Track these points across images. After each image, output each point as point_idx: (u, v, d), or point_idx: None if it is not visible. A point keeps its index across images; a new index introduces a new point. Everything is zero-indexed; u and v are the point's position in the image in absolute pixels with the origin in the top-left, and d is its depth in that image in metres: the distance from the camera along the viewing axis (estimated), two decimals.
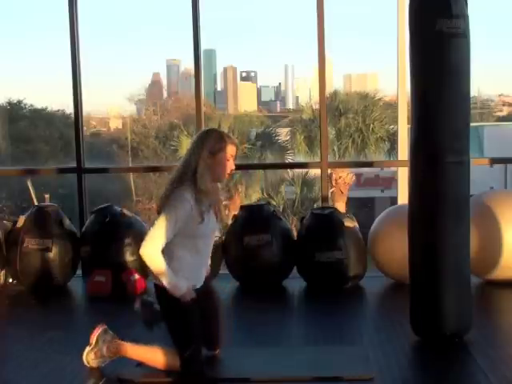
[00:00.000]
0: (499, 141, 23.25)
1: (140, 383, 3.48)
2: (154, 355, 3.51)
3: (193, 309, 3.41)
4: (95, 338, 3.59)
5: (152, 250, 3.31)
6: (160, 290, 3.43)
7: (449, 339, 3.91)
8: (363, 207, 23.19)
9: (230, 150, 3.46)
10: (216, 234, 5.56)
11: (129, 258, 5.43)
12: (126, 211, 5.73)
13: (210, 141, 3.44)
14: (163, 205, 3.40)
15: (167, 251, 3.37)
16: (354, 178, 20.65)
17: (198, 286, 3.52)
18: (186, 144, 20.34)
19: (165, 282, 3.32)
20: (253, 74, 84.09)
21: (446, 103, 3.79)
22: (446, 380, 3.49)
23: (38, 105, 27.60)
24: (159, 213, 3.41)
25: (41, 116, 25.99)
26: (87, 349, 3.61)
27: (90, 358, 3.60)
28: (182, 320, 3.43)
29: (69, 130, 19.68)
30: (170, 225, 3.32)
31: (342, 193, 19.79)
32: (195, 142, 3.49)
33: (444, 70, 3.77)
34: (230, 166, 3.48)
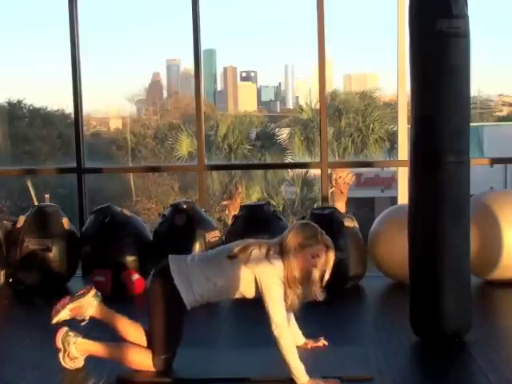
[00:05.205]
0: (499, 141, 23.22)
1: (140, 383, 3.49)
2: (122, 353, 3.51)
3: (183, 315, 3.49)
4: (60, 342, 3.59)
5: (287, 330, 3.36)
6: (160, 288, 3.46)
7: (449, 339, 3.91)
8: (363, 207, 23.16)
9: (318, 249, 3.43)
10: (216, 234, 5.57)
11: (129, 258, 5.41)
12: (125, 211, 5.72)
13: (302, 234, 3.46)
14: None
15: (208, 275, 3.45)
16: (353, 177, 20.64)
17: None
18: (185, 143, 20.32)
19: (291, 361, 3.30)
20: (253, 74, 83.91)
21: (446, 103, 3.79)
22: (445, 380, 3.49)
23: (38, 104, 27.52)
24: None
25: (40, 116, 25.96)
26: (60, 355, 3.60)
27: (68, 362, 3.60)
28: (172, 323, 3.45)
29: (68, 129, 19.71)
30: (281, 298, 3.40)
31: (342, 193, 19.78)
32: (292, 229, 3.51)
33: (444, 70, 3.77)
34: (315, 263, 3.42)
